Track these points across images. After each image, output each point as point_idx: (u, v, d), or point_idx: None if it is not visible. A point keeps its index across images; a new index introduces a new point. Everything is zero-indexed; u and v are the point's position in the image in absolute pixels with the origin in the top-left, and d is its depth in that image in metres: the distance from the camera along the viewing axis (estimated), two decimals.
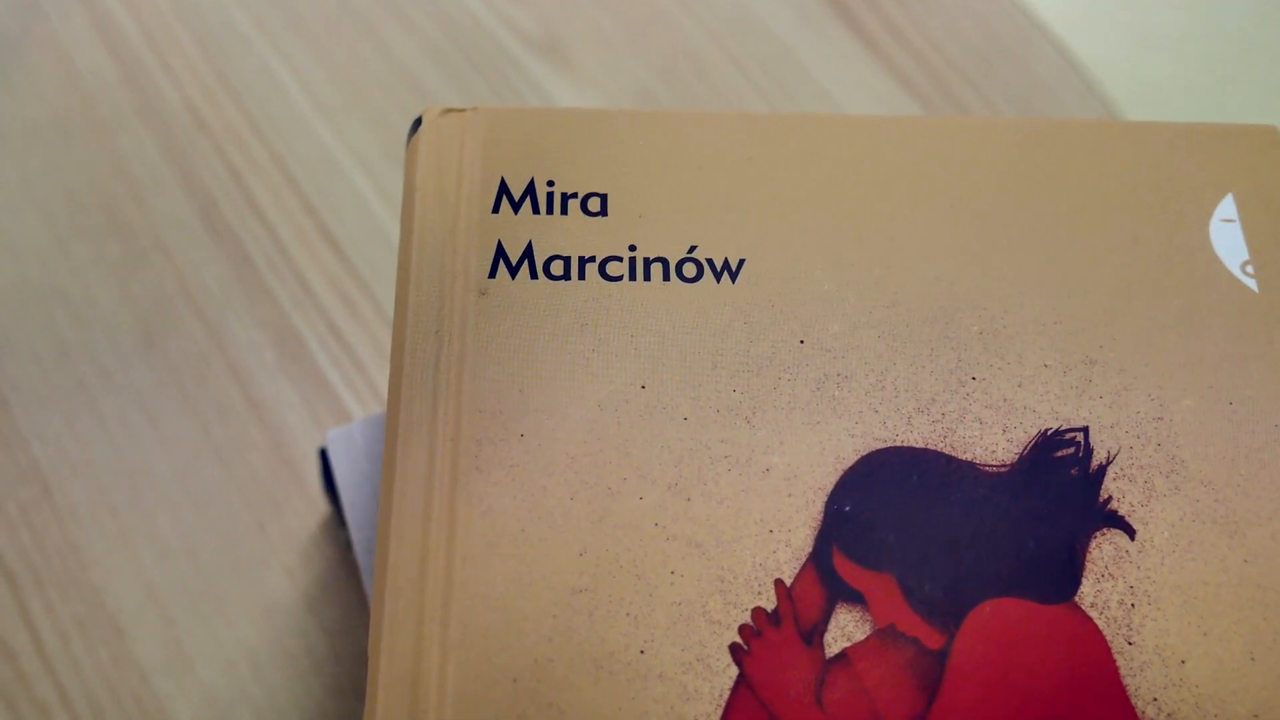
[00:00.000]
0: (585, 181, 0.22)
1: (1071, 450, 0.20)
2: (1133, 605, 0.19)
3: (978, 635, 0.19)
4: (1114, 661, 0.19)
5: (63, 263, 0.33)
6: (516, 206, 0.22)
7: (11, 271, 0.33)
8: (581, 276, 0.21)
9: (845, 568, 0.19)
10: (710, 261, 0.21)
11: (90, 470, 0.30)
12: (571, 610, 0.19)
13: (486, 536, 0.19)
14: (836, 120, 0.23)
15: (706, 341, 0.21)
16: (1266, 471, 0.20)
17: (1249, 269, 0.22)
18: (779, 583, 0.19)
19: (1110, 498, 0.20)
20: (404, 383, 0.20)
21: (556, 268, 0.21)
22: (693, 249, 0.22)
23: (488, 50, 0.37)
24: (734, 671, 0.18)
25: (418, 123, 0.23)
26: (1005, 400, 0.21)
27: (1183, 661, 0.19)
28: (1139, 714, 0.18)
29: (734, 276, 0.21)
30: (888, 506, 0.20)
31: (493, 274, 0.21)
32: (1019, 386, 0.21)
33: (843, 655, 0.19)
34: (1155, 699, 0.19)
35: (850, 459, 0.20)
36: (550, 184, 0.22)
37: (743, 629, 0.19)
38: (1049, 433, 0.20)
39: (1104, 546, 0.20)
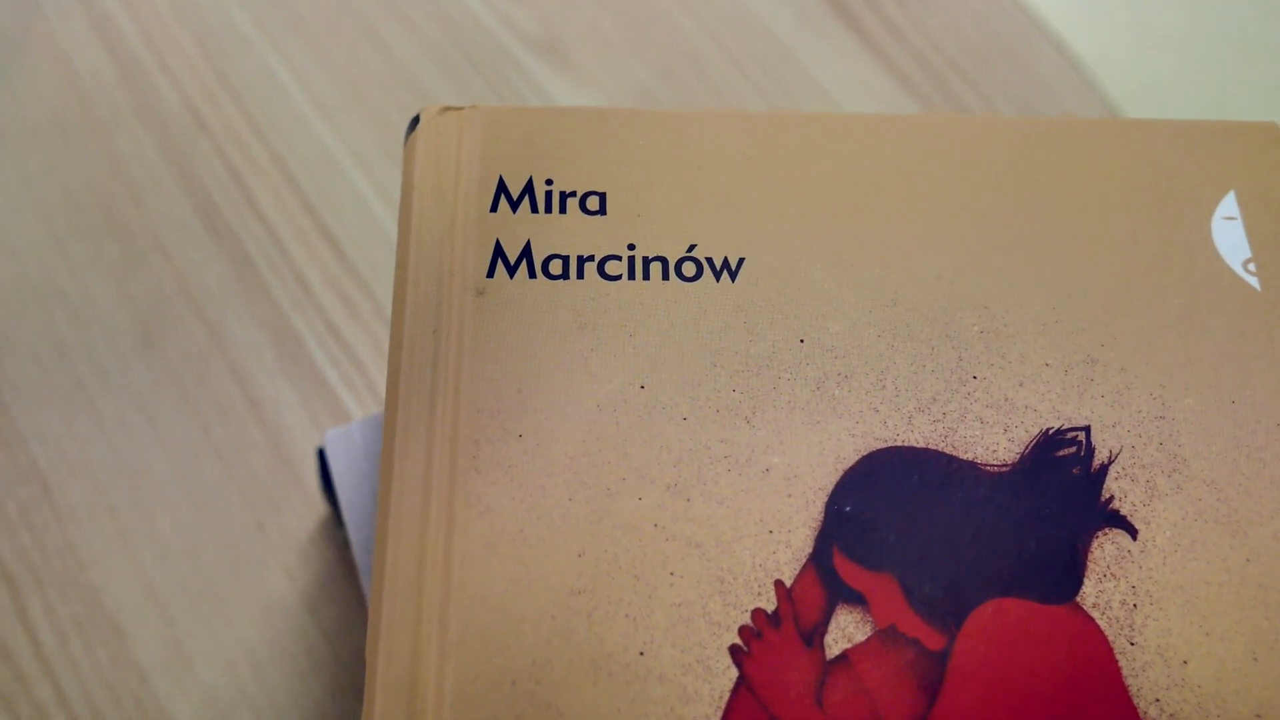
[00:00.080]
0: (584, 180, 0.22)
1: (1073, 450, 0.20)
2: (1135, 605, 0.19)
3: (979, 636, 0.19)
4: (1116, 662, 0.19)
5: (61, 263, 0.33)
6: (515, 205, 0.22)
7: (10, 271, 0.33)
8: (580, 276, 0.21)
9: (845, 568, 0.19)
10: (710, 260, 0.21)
11: (89, 470, 0.30)
12: (570, 611, 0.19)
13: (485, 537, 0.19)
14: (836, 119, 0.23)
15: (706, 341, 0.21)
16: (1268, 470, 0.20)
17: (1251, 267, 0.22)
18: (779, 583, 0.19)
19: (1112, 497, 0.20)
20: (402, 382, 0.20)
21: (555, 267, 0.21)
22: (692, 248, 0.22)
23: (487, 50, 0.37)
24: (734, 673, 0.18)
25: (415, 121, 0.22)
26: (1006, 399, 0.20)
27: (1185, 662, 0.19)
28: (1141, 715, 0.18)
29: (733, 275, 0.21)
30: (888, 507, 0.20)
31: (491, 273, 0.21)
32: (1020, 386, 0.21)
33: (843, 656, 0.19)
34: (1157, 699, 0.18)
35: (850, 459, 0.20)
36: (549, 183, 0.22)
37: (743, 630, 0.19)
38: (1050, 432, 0.20)
39: (1106, 546, 0.19)
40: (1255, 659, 0.19)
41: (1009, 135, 0.23)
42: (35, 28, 0.36)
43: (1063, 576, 0.19)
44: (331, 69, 0.36)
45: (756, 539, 0.19)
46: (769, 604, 0.19)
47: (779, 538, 0.19)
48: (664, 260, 0.21)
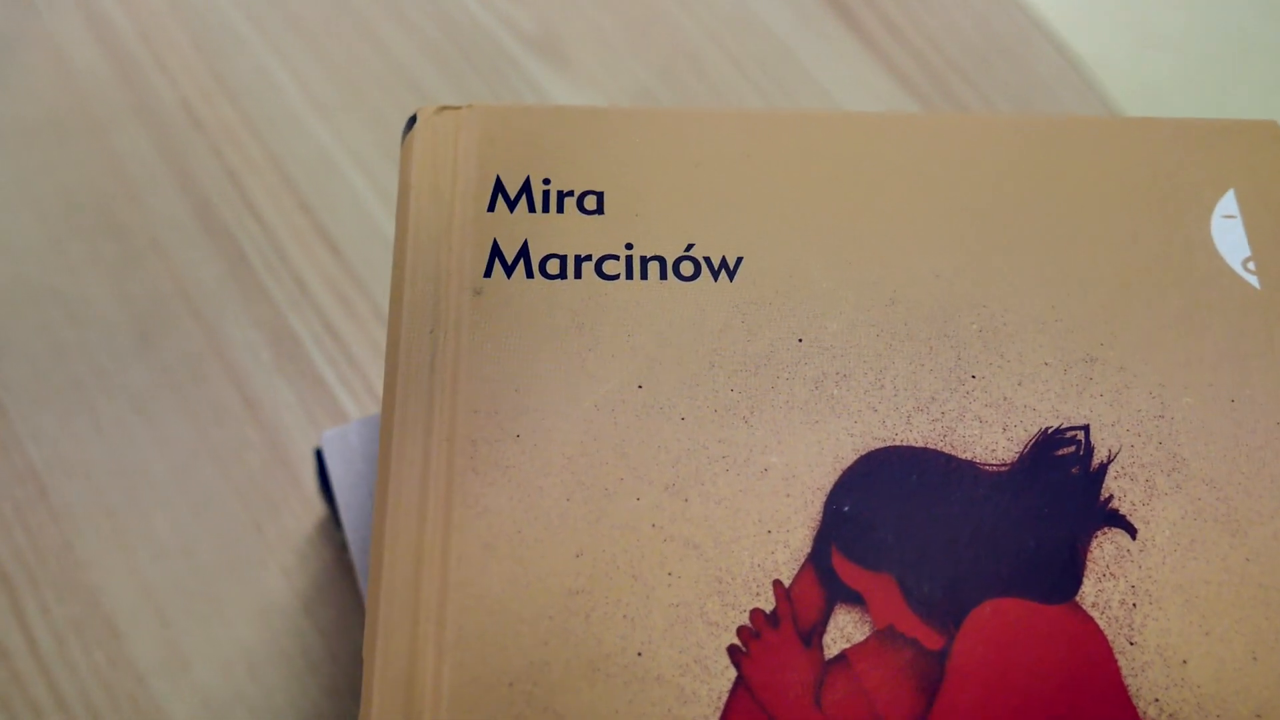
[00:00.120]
0: (581, 180, 0.22)
1: (1072, 449, 0.20)
2: (1134, 605, 0.19)
3: (978, 636, 0.19)
4: (1115, 662, 0.19)
5: (58, 262, 0.33)
6: (512, 205, 0.22)
7: (6, 271, 0.33)
8: (578, 275, 0.21)
9: (844, 568, 0.19)
10: (708, 260, 0.21)
11: (86, 471, 0.30)
12: (568, 612, 0.18)
13: (482, 538, 0.19)
14: (834, 118, 0.23)
15: (704, 341, 0.21)
16: (1268, 470, 0.20)
17: (1250, 265, 0.22)
18: (777, 584, 0.19)
19: (1111, 496, 0.20)
20: (399, 383, 0.20)
21: (552, 266, 0.21)
22: (690, 247, 0.21)
23: (486, 50, 0.37)
24: (732, 673, 0.18)
25: (412, 120, 0.22)
26: (1005, 399, 0.20)
27: (1184, 661, 0.19)
28: (1140, 714, 0.18)
29: (731, 275, 0.21)
30: (887, 506, 0.19)
31: (488, 273, 0.21)
32: (1019, 385, 0.21)
33: (842, 656, 0.18)
34: (1157, 699, 0.18)
35: (849, 458, 0.20)
36: (546, 182, 0.22)
37: (741, 631, 0.19)
38: (1049, 431, 0.20)
39: (1105, 546, 0.19)
40: (1255, 658, 0.19)
41: (1008, 134, 0.23)
42: (31, 26, 0.36)
43: (1062, 576, 0.19)
44: (329, 68, 0.36)
45: (755, 539, 0.19)
46: (767, 604, 0.19)
47: (777, 538, 0.19)
48: (662, 260, 0.21)
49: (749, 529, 0.19)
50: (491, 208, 0.22)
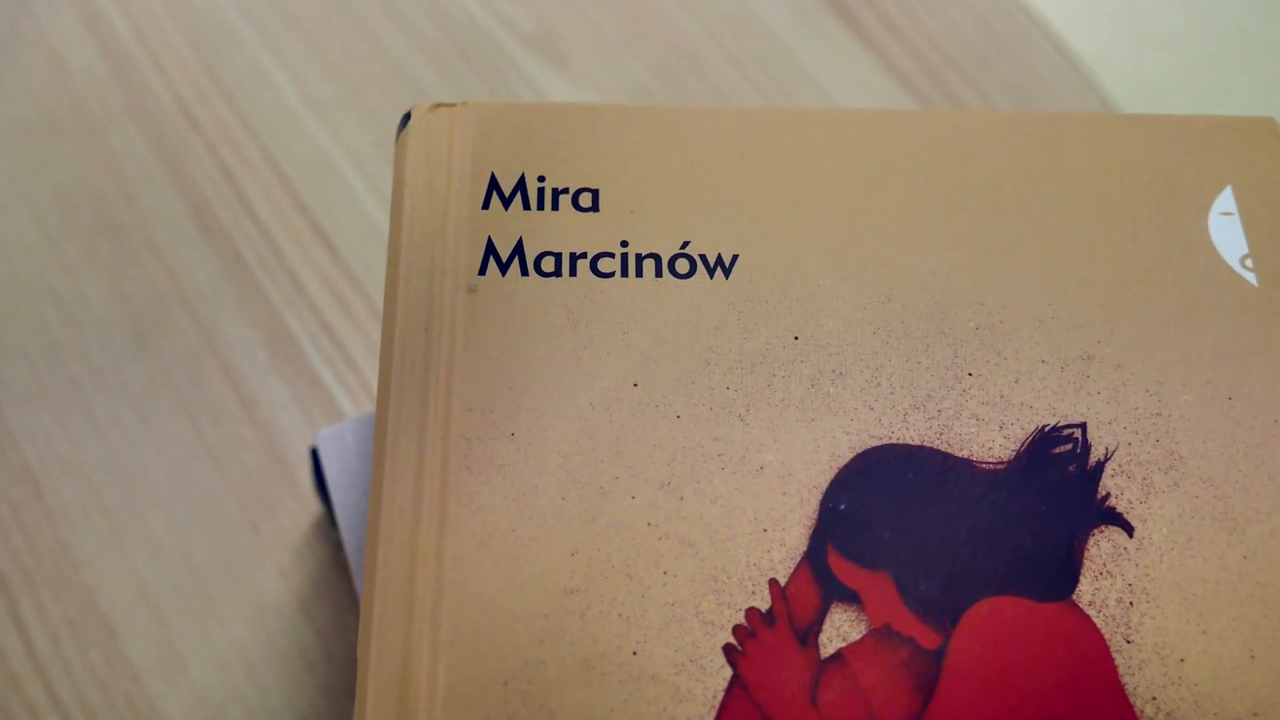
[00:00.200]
0: (577, 177, 0.22)
1: (1069, 447, 0.20)
2: (1131, 603, 0.19)
3: (974, 634, 0.19)
4: (1112, 660, 0.19)
5: (53, 261, 0.33)
6: (507, 202, 0.22)
7: (2, 270, 0.33)
8: (573, 273, 0.21)
9: (840, 567, 0.19)
10: (703, 257, 0.21)
11: (82, 470, 0.30)
12: (563, 611, 0.18)
13: (477, 536, 0.19)
14: (830, 115, 0.23)
15: (699, 338, 0.21)
16: (1265, 467, 0.20)
17: (1248, 262, 0.22)
18: (773, 582, 0.19)
19: (1108, 494, 0.20)
20: (393, 381, 0.20)
21: (547, 264, 0.21)
22: (685, 245, 0.21)
23: (483, 48, 0.36)
24: (728, 672, 0.18)
25: (407, 117, 0.22)
26: (1002, 396, 0.20)
27: (1181, 660, 0.19)
28: (1137, 713, 0.18)
29: (727, 272, 0.21)
30: (883, 505, 0.19)
31: (483, 271, 0.21)
32: (1016, 382, 0.21)
33: (838, 655, 0.18)
34: (1154, 698, 0.18)
35: (845, 457, 0.20)
36: (541, 179, 0.22)
37: (736, 629, 0.18)
38: (1046, 429, 0.20)
39: (1102, 544, 0.19)
40: (1252, 656, 0.19)
41: (1005, 131, 0.23)
42: (26, 25, 0.36)
43: (1059, 574, 0.19)
44: (326, 67, 0.36)
45: (750, 537, 0.19)
46: (763, 603, 0.19)
47: (773, 536, 0.19)
48: (657, 257, 0.21)
49: (745, 527, 0.19)
50: (486, 205, 0.22)
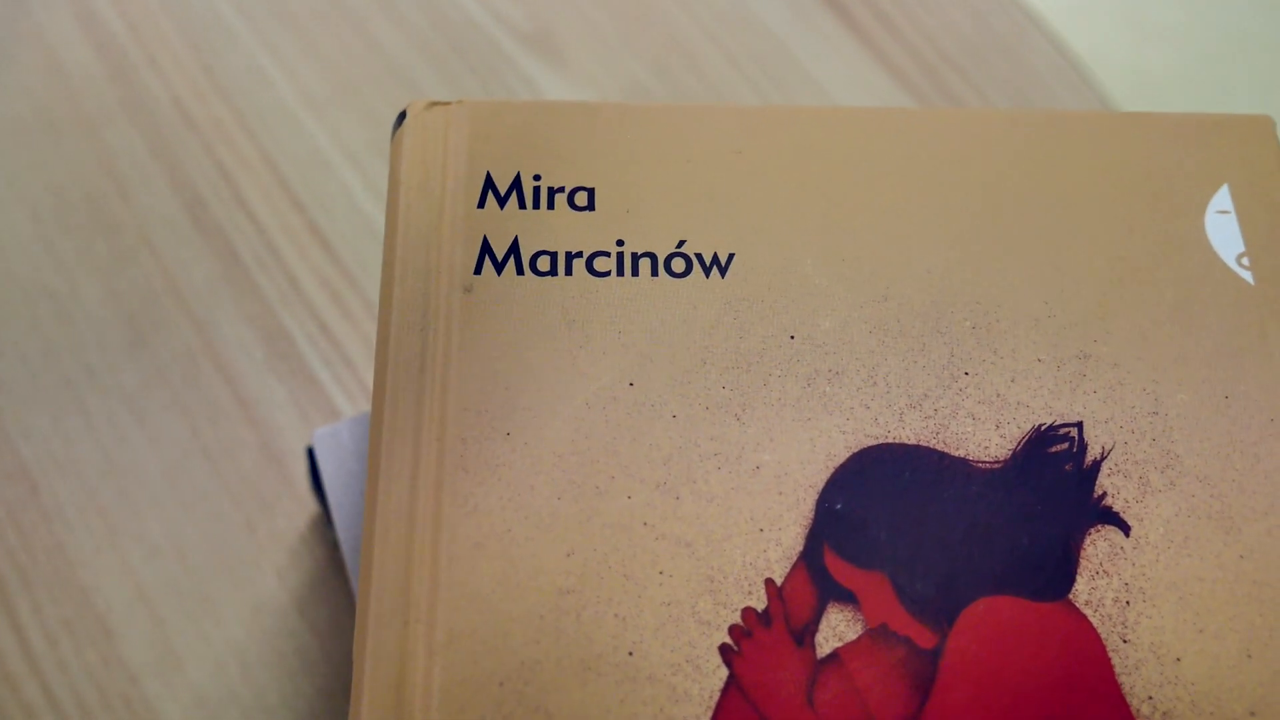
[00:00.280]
0: (572, 175, 0.22)
1: (1065, 446, 0.20)
2: (1127, 602, 0.19)
3: (971, 634, 0.19)
4: (1109, 659, 0.19)
5: (49, 260, 0.33)
6: (502, 201, 0.22)
7: None
8: (568, 272, 0.21)
9: (836, 566, 0.19)
10: (699, 256, 0.21)
11: (78, 470, 0.30)
12: (559, 611, 0.18)
13: (473, 537, 0.19)
14: (827, 113, 0.23)
15: (695, 338, 0.20)
16: (1262, 466, 0.20)
17: (1244, 261, 0.22)
18: (769, 582, 0.19)
19: (1105, 494, 0.20)
20: (389, 381, 0.20)
21: (543, 263, 0.21)
22: (681, 243, 0.21)
23: (479, 45, 0.36)
24: (724, 673, 0.18)
25: (402, 116, 0.22)
26: (998, 395, 0.20)
27: (1178, 659, 0.19)
28: (1134, 712, 0.18)
29: (723, 271, 0.21)
30: (879, 504, 0.19)
31: (478, 270, 0.21)
32: (1012, 381, 0.20)
33: (834, 655, 0.18)
34: (1150, 697, 0.18)
35: (841, 456, 0.20)
36: (537, 178, 0.22)
37: (733, 629, 0.18)
38: (1042, 428, 0.20)
39: (1098, 543, 0.19)
40: (1249, 656, 0.19)
41: (1001, 128, 0.23)
42: (21, 23, 0.36)
43: (1055, 574, 0.19)
44: (321, 64, 0.36)
45: (747, 537, 0.19)
46: (759, 603, 0.19)
47: (769, 536, 0.19)
48: (653, 256, 0.21)
49: (741, 527, 0.19)
50: (482, 204, 0.21)
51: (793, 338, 0.21)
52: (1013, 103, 0.36)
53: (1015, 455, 0.20)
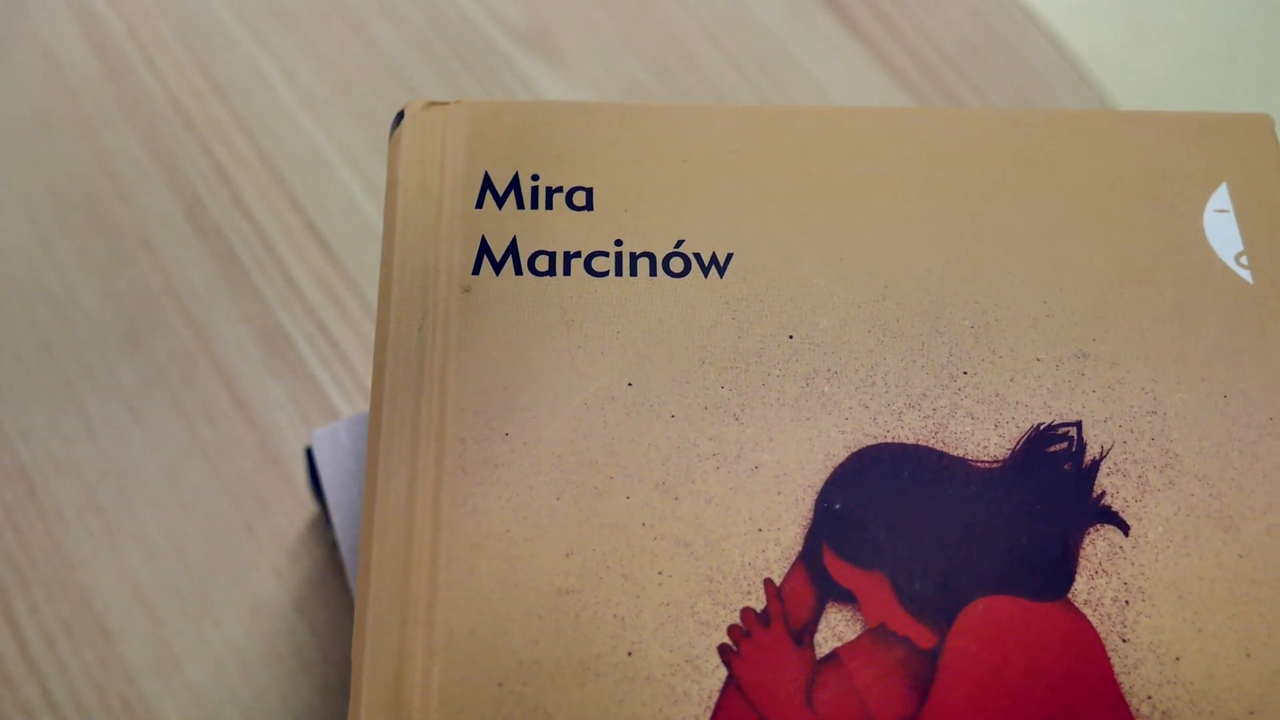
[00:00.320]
0: (570, 175, 0.22)
1: (1064, 445, 0.20)
2: (1126, 602, 0.19)
3: (970, 634, 0.19)
4: (1108, 659, 0.19)
5: (46, 260, 0.33)
6: (500, 201, 0.21)
7: None
8: (567, 272, 0.21)
9: (835, 566, 0.19)
10: (698, 256, 0.21)
11: (75, 470, 0.30)
12: (558, 612, 0.18)
13: (471, 537, 0.19)
14: (825, 112, 0.23)
15: (694, 337, 0.20)
16: (1260, 465, 0.20)
17: (1243, 260, 0.22)
18: (768, 582, 0.19)
19: (1104, 493, 0.20)
20: (387, 381, 0.20)
21: (541, 263, 0.21)
22: (680, 243, 0.21)
23: (477, 45, 0.36)
24: (723, 673, 0.18)
25: (400, 116, 0.22)
26: (997, 395, 0.20)
27: (1177, 658, 0.19)
28: (1133, 712, 0.18)
29: (722, 271, 0.21)
30: (878, 504, 0.19)
31: (476, 270, 0.21)
32: (1011, 381, 0.20)
33: (833, 655, 0.18)
34: (1150, 696, 0.18)
35: (840, 456, 0.20)
36: (535, 178, 0.22)
37: (732, 630, 0.18)
38: (1042, 427, 0.20)
39: (1098, 542, 0.19)
40: (1248, 655, 0.19)
41: (1000, 128, 0.23)
42: (18, 22, 0.36)
43: (1054, 573, 0.19)
44: (319, 64, 0.36)
45: (745, 537, 0.19)
46: (758, 603, 0.19)
47: (768, 536, 0.19)
48: (651, 256, 0.21)
49: (740, 527, 0.19)
50: (480, 204, 0.21)
51: (791, 337, 0.21)
52: (1012, 102, 0.36)
53: (1014, 455, 0.20)
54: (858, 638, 0.18)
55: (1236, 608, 0.19)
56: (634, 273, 0.21)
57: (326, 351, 0.32)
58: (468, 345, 0.20)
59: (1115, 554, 0.19)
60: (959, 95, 0.36)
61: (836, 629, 0.19)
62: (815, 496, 0.19)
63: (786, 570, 0.19)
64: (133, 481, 0.30)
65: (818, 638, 0.18)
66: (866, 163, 0.22)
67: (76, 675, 0.28)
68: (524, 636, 0.18)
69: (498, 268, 0.21)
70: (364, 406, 0.31)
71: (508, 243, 0.21)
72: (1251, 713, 0.18)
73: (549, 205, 0.22)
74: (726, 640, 0.18)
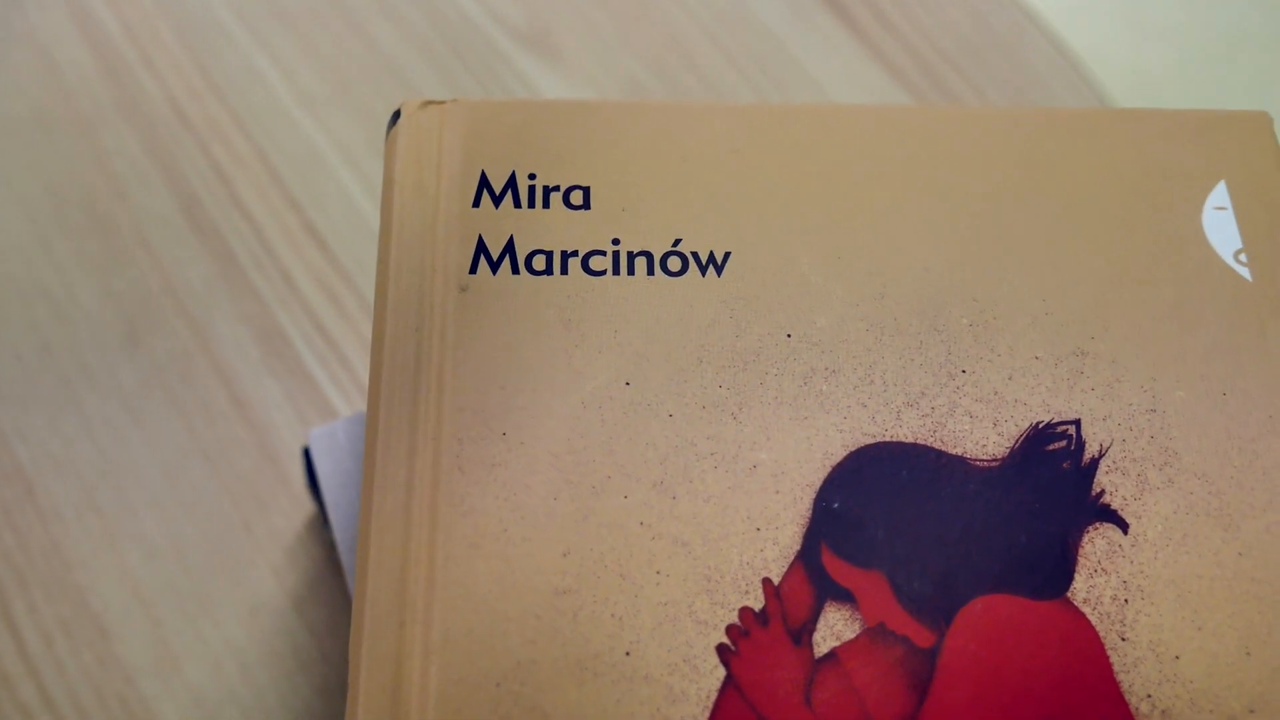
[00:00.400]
0: (568, 174, 0.22)
1: (1063, 443, 0.20)
2: (1126, 600, 0.19)
3: (969, 633, 0.19)
4: (1107, 658, 0.18)
5: (44, 260, 0.33)
6: (497, 200, 0.21)
7: None
8: (564, 271, 0.21)
9: (834, 565, 0.19)
10: (695, 255, 0.21)
11: (74, 470, 0.30)
12: (555, 611, 0.18)
13: (468, 537, 0.19)
14: (823, 111, 0.23)
15: (691, 336, 0.20)
16: (1260, 463, 0.20)
17: (1242, 258, 0.22)
18: (766, 581, 0.19)
19: (1103, 491, 0.20)
20: (384, 380, 0.20)
21: (538, 262, 0.21)
22: (677, 242, 0.21)
23: (475, 44, 0.36)
24: (721, 672, 0.18)
25: (396, 115, 0.22)
26: (996, 393, 0.20)
27: (1177, 657, 0.19)
28: (1133, 711, 0.18)
29: (719, 270, 0.21)
30: (877, 503, 0.19)
31: (474, 269, 0.21)
32: (1009, 379, 0.20)
33: (832, 654, 0.18)
34: (1149, 695, 0.18)
35: (838, 455, 0.20)
36: (532, 177, 0.22)
37: (730, 629, 0.18)
38: (1040, 426, 0.20)
39: (1096, 541, 0.19)
40: (1248, 653, 0.19)
41: (998, 126, 0.23)
42: (15, 21, 0.36)
43: (1053, 572, 0.19)
44: (316, 63, 0.36)
45: (744, 536, 0.19)
46: (756, 602, 0.19)
47: (766, 535, 0.19)
48: (649, 255, 0.21)
49: (738, 526, 0.19)
50: (477, 203, 0.21)
51: (789, 336, 0.21)
52: (1011, 101, 0.36)
53: (1013, 453, 0.20)
54: (856, 637, 0.18)
55: (1236, 606, 0.19)
56: (631, 272, 0.21)
57: (324, 351, 0.32)
58: (465, 345, 0.20)
59: (1114, 552, 0.19)
60: (958, 94, 0.36)
61: (835, 628, 0.18)
62: (813, 495, 0.19)
63: (785, 569, 0.19)
64: (131, 481, 0.30)
65: (816, 637, 0.18)
66: (865, 161, 0.22)
67: (75, 675, 0.28)
68: (521, 636, 0.18)
69: (495, 267, 0.21)
70: (362, 406, 0.31)
71: (505, 242, 0.21)
72: (1251, 711, 0.18)
73: (546, 204, 0.21)
74: (725, 640, 0.18)
